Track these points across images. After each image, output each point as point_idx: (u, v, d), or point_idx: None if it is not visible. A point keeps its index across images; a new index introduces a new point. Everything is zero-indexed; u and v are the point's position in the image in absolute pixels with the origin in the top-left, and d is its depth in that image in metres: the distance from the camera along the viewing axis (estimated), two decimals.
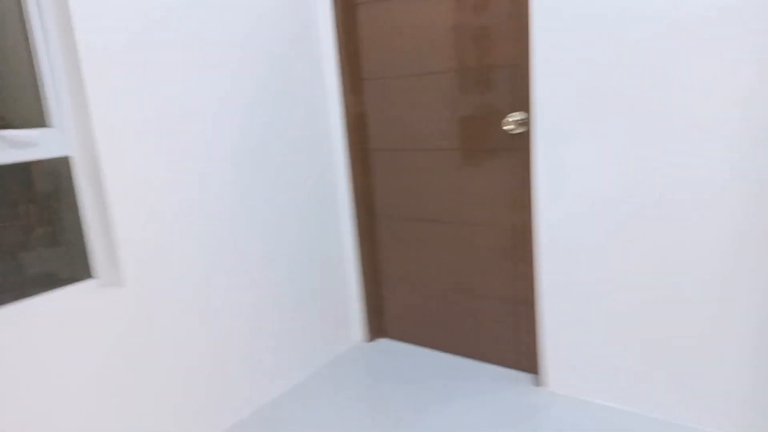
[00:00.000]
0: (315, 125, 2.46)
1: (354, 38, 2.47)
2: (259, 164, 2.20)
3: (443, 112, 2.30)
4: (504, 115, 2.15)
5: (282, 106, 2.28)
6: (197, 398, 2.03)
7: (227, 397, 2.15)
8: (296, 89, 2.35)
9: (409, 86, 2.37)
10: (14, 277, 1.68)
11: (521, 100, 2.10)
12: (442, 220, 2.43)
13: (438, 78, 2.27)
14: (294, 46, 2.34)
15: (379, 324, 2.81)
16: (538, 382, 2.27)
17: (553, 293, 2.10)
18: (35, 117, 1.63)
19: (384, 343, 2.76)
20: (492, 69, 2.14)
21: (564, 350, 2.13)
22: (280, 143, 2.29)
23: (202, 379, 2.05)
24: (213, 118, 2.00)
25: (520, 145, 2.14)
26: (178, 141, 1.89)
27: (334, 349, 2.68)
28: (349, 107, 2.51)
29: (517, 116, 2.08)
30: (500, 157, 2.20)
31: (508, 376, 2.35)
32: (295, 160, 2.36)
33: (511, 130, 2.12)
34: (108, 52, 1.67)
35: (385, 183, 2.57)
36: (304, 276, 2.46)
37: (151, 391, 1.88)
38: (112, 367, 1.75)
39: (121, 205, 1.74)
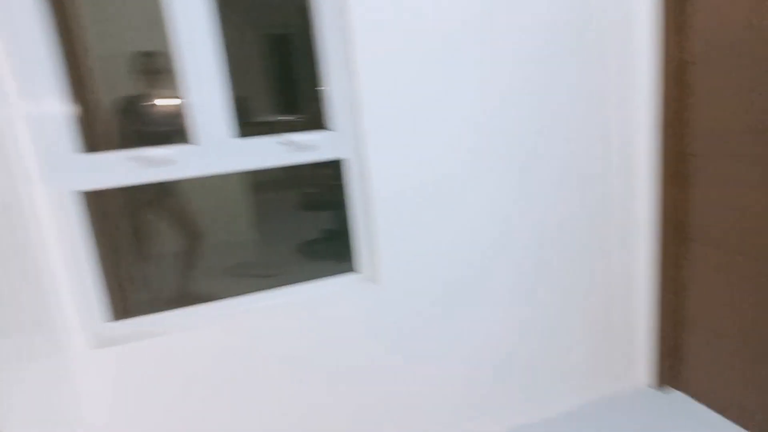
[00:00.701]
0: (612, 120, 2.02)
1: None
2: (533, 166, 1.93)
3: None
4: None
5: (565, 98, 1.93)
6: (438, 407, 2.00)
7: (471, 412, 2.05)
8: (587, 71, 1.94)
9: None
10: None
11: None
12: None
13: None
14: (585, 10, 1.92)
15: (673, 372, 2.25)
16: None
17: None
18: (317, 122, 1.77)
19: (675, 397, 2.21)
20: None
21: None
22: (560, 139, 1.95)
23: (444, 387, 2.00)
24: (481, 120, 1.83)
25: None
26: (442, 145, 1.80)
27: (605, 387, 2.27)
28: (667, 98, 1.96)
29: None
30: None
31: None
32: (578, 160, 2.00)
33: None
34: (381, 59, 1.67)
35: (712, 200, 1.94)
36: (576, 296, 2.12)
37: (386, 390, 1.92)
38: (361, 356, 1.85)
39: (385, 207, 1.76)
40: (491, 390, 2.06)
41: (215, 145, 1.62)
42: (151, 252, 3.72)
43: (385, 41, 1.66)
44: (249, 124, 6.26)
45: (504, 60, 1.81)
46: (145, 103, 3.22)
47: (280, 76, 7.33)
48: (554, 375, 2.16)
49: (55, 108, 1.46)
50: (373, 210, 1.75)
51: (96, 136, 2.46)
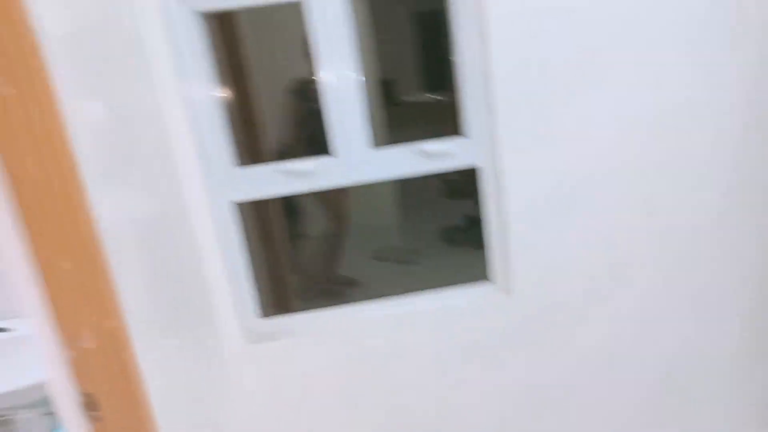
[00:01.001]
0: None
1: None
2: (680, 169, 1.69)
3: None
4: None
5: (721, 93, 1.64)
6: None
7: None
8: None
9: None
10: None
11: None
12: None
13: None
14: None
15: None
16: None
17: None
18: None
19: None
20: None
21: None
22: (709, 142, 1.68)
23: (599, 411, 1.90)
24: (625, 122, 1.63)
25: None
26: (582, 148, 1.65)
27: None
28: None
29: None
30: None
31: None
32: (733, 158, 1.69)
33: None
34: (518, 66, 1.57)
35: None
36: (737, 303, 1.84)
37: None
38: (489, 367, 1.82)
39: (520, 217, 1.68)
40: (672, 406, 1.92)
41: (353, 157, 1.67)
42: (302, 241, 3.97)
43: (525, 41, 1.56)
44: (397, 104, 6.33)
45: (660, 50, 1.59)
46: (316, 83, 3.39)
47: (427, 55, 7.29)
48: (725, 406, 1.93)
49: (216, 121, 1.61)
50: (508, 222, 1.68)
51: (259, 128, 2.67)
